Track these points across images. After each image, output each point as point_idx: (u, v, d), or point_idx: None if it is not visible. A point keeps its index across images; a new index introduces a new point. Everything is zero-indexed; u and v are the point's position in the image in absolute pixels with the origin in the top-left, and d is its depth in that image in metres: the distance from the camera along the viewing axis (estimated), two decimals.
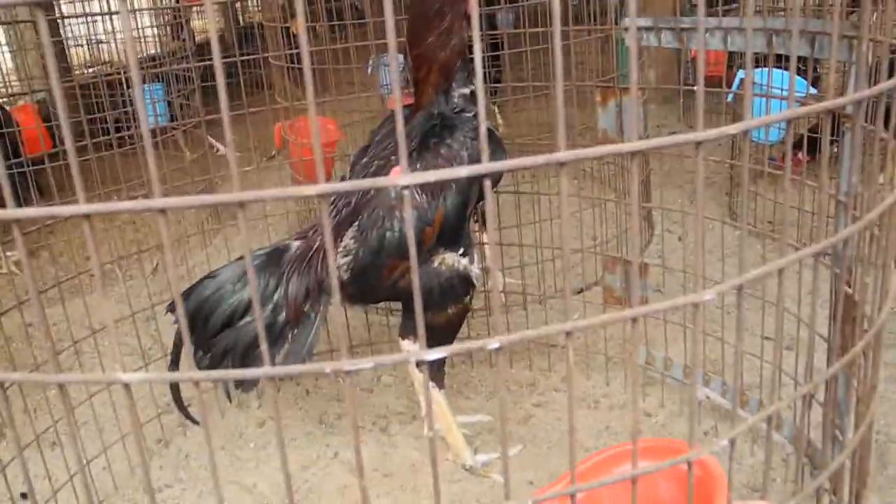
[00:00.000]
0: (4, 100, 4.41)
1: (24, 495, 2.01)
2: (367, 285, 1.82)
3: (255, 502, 2.04)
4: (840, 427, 1.53)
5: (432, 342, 1.90)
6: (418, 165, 1.75)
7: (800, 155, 3.33)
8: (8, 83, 4.74)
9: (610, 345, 2.50)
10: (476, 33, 0.61)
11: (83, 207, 0.62)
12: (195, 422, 2.18)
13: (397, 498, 1.99)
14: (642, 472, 0.74)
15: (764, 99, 2.82)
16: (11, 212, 0.62)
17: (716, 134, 0.68)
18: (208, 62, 3.68)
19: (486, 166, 0.61)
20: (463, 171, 0.62)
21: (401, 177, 0.60)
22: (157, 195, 0.62)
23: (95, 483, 2.06)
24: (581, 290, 2.96)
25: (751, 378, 2.20)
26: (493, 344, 0.66)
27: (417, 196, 1.73)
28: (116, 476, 2.13)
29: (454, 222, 1.76)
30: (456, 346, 0.66)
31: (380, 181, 0.62)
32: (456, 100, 1.82)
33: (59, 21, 4.12)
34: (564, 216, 0.66)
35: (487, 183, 0.64)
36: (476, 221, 3.20)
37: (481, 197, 1.92)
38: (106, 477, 2.12)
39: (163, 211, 0.62)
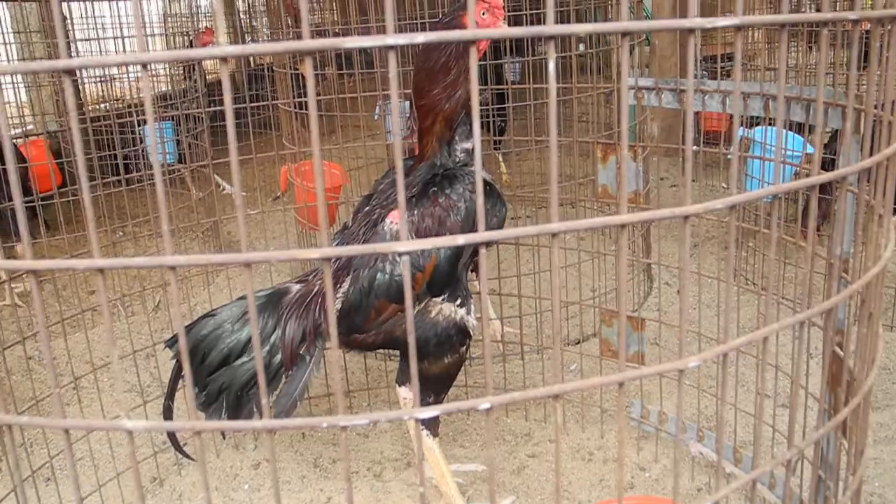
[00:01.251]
0: (17, 132, 4.48)
1: None
2: (354, 325, 1.84)
3: None
4: (831, 490, 1.54)
5: (428, 391, 1.92)
6: (416, 212, 1.78)
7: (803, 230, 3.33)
8: (22, 117, 4.83)
9: (606, 397, 2.51)
10: (475, 87, 0.64)
11: (98, 262, 0.65)
12: (190, 458, 2.19)
13: None
14: None
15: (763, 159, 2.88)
16: (29, 263, 0.66)
17: (702, 209, 0.71)
18: (219, 104, 3.75)
19: (482, 235, 0.65)
20: (460, 240, 0.66)
21: (399, 243, 0.63)
22: (168, 252, 0.66)
23: None
24: (578, 342, 2.98)
25: (746, 435, 2.20)
26: (484, 405, 0.69)
27: (411, 239, 1.76)
28: None
29: (446, 273, 1.79)
30: (447, 406, 0.68)
31: (379, 247, 0.65)
32: (459, 153, 1.87)
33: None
34: (554, 285, 0.69)
35: (483, 251, 0.67)
36: (473, 271, 3.22)
37: (475, 251, 1.95)
38: None
39: (172, 268, 0.65)
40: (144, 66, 0.62)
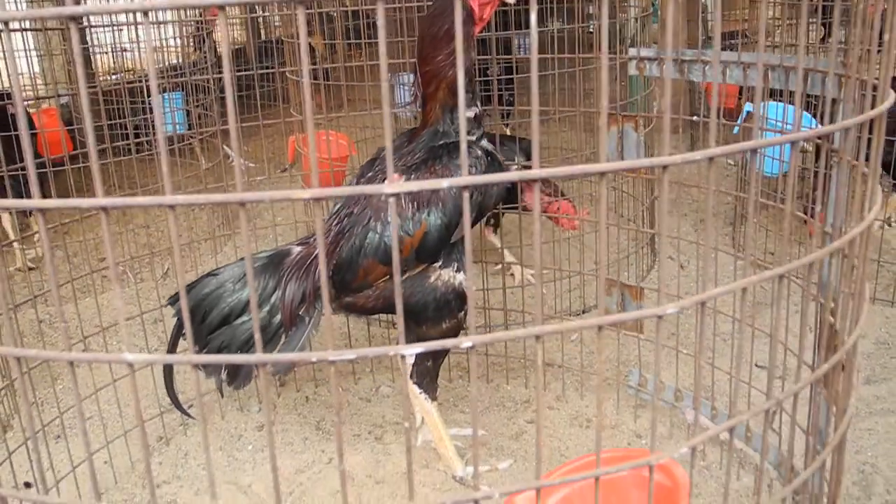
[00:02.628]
0: (30, 102, 4.52)
1: (27, 484, 2.07)
2: (344, 283, 1.87)
3: (249, 502, 2.09)
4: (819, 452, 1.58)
5: (427, 356, 1.96)
6: (412, 176, 1.81)
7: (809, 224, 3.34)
8: (34, 86, 4.87)
9: (605, 367, 2.55)
10: (460, 58, 0.67)
11: (101, 201, 0.68)
12: (191, 416, 2.25)
13: None
14: (603, 472, 0.79)
15: (772, 133, 2.88)
16: (37, 202, 0.69)
17: (680, 159, 0.74)
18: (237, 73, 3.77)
19: (465, 179, 0.68)
20: (444, 183, 0.69)
21: (386, 185, 0.66)
22: (168, 193, 0.69)
23: (97, 476, 2.12)
24: (580, 313, 3.01)
25: (741, 404, 2.24)
26: (467, 343, 0.72)
27: (403, 204, 1.79)
28: (117, 470, 2.19)
29: (435, 241, 1.81)
30: (432, 343, 0.72)
31: (368, 188, 0.69)
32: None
33: (86, 29, 4.23)
34: (536, 230, 0.72)
35: (466, 195, 0.70)
36: (489, 225, 3.26)
37: (476, 219, 1.97)
38: (107, 471, 2.18)
39: (172, 207, 0.69)
40: (146, 13, 0.65)
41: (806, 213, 3.00)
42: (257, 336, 0.73)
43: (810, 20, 3.69)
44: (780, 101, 3.12)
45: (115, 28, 4.05)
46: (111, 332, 2.75)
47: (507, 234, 3.47)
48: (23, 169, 2.73)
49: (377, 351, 0.72)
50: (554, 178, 0.71)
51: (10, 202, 0.72)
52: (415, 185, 0.68)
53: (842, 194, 1.56)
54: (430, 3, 2.61)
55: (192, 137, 4.08)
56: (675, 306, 0.79)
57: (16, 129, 2.85)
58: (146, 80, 3.96)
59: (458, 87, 0.67)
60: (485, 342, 0.73)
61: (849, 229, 1.43)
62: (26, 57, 4.11)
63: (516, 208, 2.88)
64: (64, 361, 0.74)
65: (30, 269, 3.55)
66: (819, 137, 1.73)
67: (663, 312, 0.78)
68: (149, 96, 3.98)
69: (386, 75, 0.68)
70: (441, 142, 1.87)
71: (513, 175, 0.69)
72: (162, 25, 4.17)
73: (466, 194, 0.69)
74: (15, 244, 3.50)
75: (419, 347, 0.71)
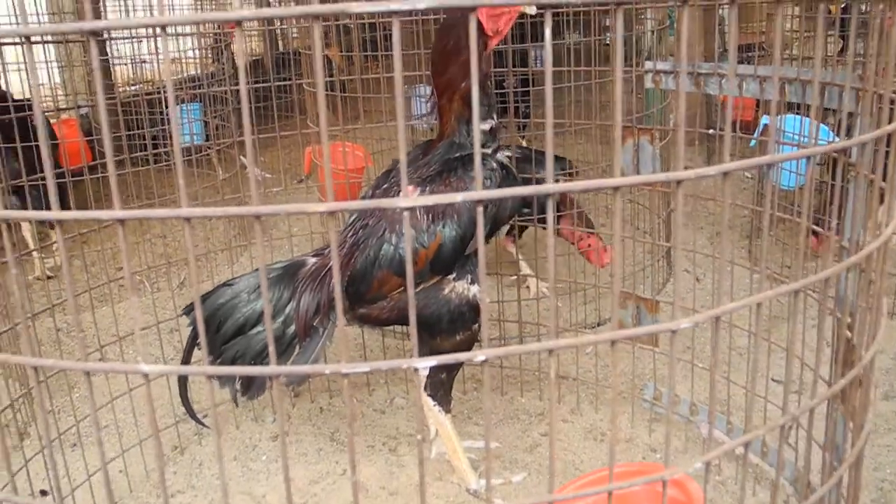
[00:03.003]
0: (51, 112, 4.58)
1: (43, 492, 2.08)
2: (358, 294, 1.88)
3: None
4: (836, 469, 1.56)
5: (441, 368, 1.96)
6: (427, 188, 1.82)
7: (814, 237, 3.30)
8: (55, 97, 4.93)
9: (620, 380, 2.54)
10: (474, 59, 0.67)
11: (118, 213, 0.69)
12: (204, 425, 2.26)
13: None
14: (616, 487, 0.79)
15: (790, 147, 2.87)
16: (55, 213, 0.70)
17: (693, 174, 0.74)
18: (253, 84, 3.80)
19: (479, 194, 0.68)
20: (459, 197, 0.69)
21: (400, 199, 0.67)
22: (183, 205, 0.70)
23: (112, 485, 2.13)
24: (595, 325, 3.00)
25: (757, 419, 2.22)
26: (480, 357, 0.72)
27: (418, 216, 1.79)
28: (132, 479, 2.20)
29: (450, 253, 1.82)
30: (445, 357, 0.72)
31: (383, 202, 0.69)
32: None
33: (105, 41, 4.28)
34: (550, 247, 0.72)
35: (480, 210, 0.70)
36: (509, 235, 3.28)
37: (491, 232, 1.97)
38: (122, 479, 2.19)
39: (188, 219, 0.69)
40: (164, 28, 0.66)
41: (820, 227, 2.98)
42: (271, 348, 0.73)
43: (828, 33, 3.68)
44: (797, 113, 3.11)
45: (135, 40, 4.10)
46: (127, 341, 2.77)
47: (522, 247, 3.47)
48: (43, 179, 2.76)
49: (390, 364, 0.72)
50: (570, 191, 0.71)
51: (29, 213, 0.73)
52: (429, 200, 0.68)
53: (858, 209, 1.55)
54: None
55: (209, 148, 4.11)
56: (688, 321, 0.78)
57: (37, 140, 2.88)
58: (164, 92, 4.00)
59: (473, 100, 0.67)
60: (498, 356, 0.73)
61: (865, 244, 1.42)
62: (47, 68, 4.17)
63: (532, 221, 2.88)
64: (80, 371, 0.75)
65: (48, 277, 3.59)
66: (836, 151, 1.72)
67: (677, 327, 0.78)
68: (167, 107, 4.02)
69: (401, 88, 0.69)
70: (457, 154, 1.87)
71: (526, 189, 0.69)
72: (181, 37, 4.22)
73: (480, 208, 0.69)
74: (34, 253, 3.54)
75: (432, 361, 0.71)
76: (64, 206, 3.54)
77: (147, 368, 0.74)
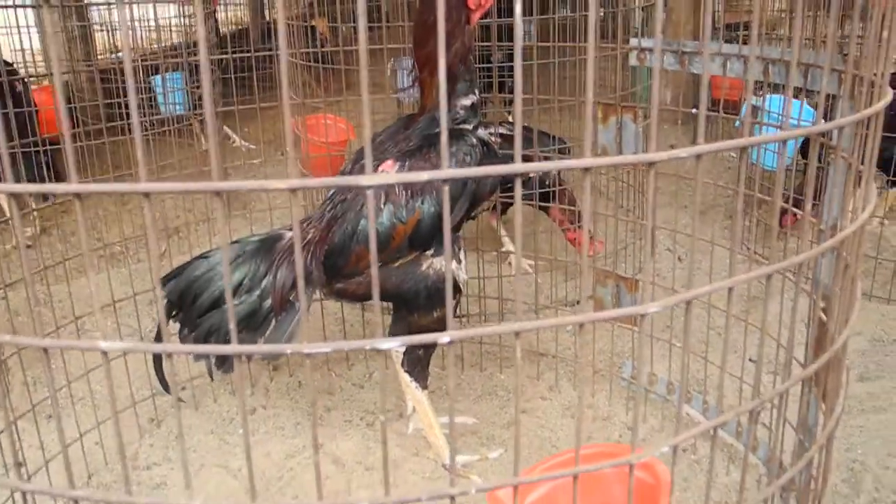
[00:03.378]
0: (32, 79, 4.51)
1: (18, 464, 2.07)
2: (335, 268, 1.86)
3: (239, 486, 2.09)
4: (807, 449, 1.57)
5: (417, 345, 1.95)
6: (406, 163, 1.80)
7: (790, 214, 3.30)
8: (35, 63, 4.84)
9: (598, 358, 2.54)
10: (441, 37, 0.66)
11: (73, 187, 0.67)
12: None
13: (375, 491, 2.04)
14: (582, 470, 0.79)
15: (773, 127, 2.86)
16: (8, 186, 0.68)
17: (666, 156, 0.73)
18: (233, 54, 3.75)
19: (445, 172, 0.66)
20: (424, 176, 0.67)
21: (364, 177, 0.65)
22: (142, 180, 0.68)
23: (87, 456, 2.12)
24: (575, 304, 3.00)
25: (732, 399, 2.23)
26: (444, 338, 0.71)
27: (397, 192, 1.77)
28: (108, 452, 2.19)
29: (428, 229, 1.80)
30: (408, 338, 0.70)
31: (347, 180, 0.67)
32: (459, 110, 1.87)
33: (84, 7, 4.21)
34: (518, 222, 0.71)
35: (446, 188, 0.69)
36: (494, 211, 3.28)
37: (471, 208, 1.96)
38: (98, 452, 2.18)
39: (146, 195, 0.67)
40: None
41: (799, 207, 2.98)
42: (232, 325, 0.72)
43: (815, 14, 3.66)
44: (782, 94, 3.10)
45: (113, 6, 4.02)
46: (107, 311, 2.75)
47: (506, 223, 3.46)
48: (25, 147, 2.72)
49: (353, 345, 0.71)
50: (535, 170, 0.70)
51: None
52: (391, 178, 0.66)
53: (836, 192, 1.55)
54: None
55: (193, 118, 4.06)
56: (657, 305, 0.78)
57: (15, 107, 2.83)
58: (143, 60, 3.95)
59: (440, 78, 0.66)
60: (462, 338, 0.72)
61: (843, 227, 1.42)
62: (28, 33, 4.09)
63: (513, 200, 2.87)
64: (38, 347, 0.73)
65: (27, 246, 3.55)
66: (815, 134, 1.71)
67: (646, 311, 0.77)
68: (147, 76, 3.96)
69: (365, 62, 0.67)
70: (437, 129, 1.85)
71: (496, 169, 0.68)
72: (164, 4, 4.14)
73: (446, 188, 0.68)
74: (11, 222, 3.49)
75: (396, 342, 0.70)
76: (42, 175, 3.50)
77: (105, 346, 0.72)
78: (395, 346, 0.71)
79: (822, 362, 1.02)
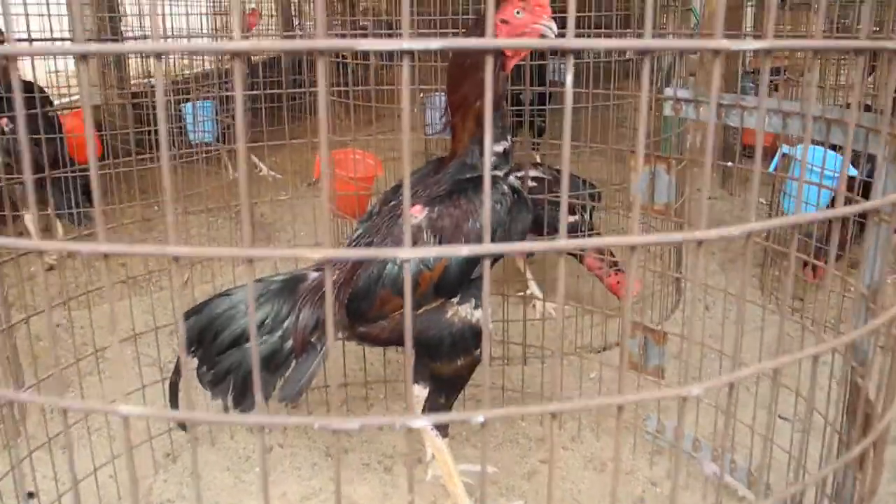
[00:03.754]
0: (64, 101, 4.57)
1: (30, 494, 2.04)
2: (359, 312, 1.83)
3: None
4: None
5: (440, 391, 1.92)
6: (436, 209, 1.77)
7: (811, 267, 3.23)
8: (68, 88, 4.91)
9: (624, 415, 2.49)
10: (489, 98, 0.63)
11: (102, 247, 0.65)
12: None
13: None
14: None
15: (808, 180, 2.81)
16: (35, 242, 0.66)
17: (715, 235, 0.69)
18: (260, 87, 3.78)
19: (486, 247, 0.64)
20: (464, 251, 0.65)
21: (402, 250, 0.62)
22: (171, 243, 0.65)
23: (100, 490, 2.09)
24: (601, 350, 2.95)
25: (758, 453, 2.16)
26: (478, 418, 0.68)
27: (425, 237, 1.75)
28: (122, 486, 2.16)
29: (456, 276, 1.77)
30: (439, 417, 0.67)
31: (383, 252, 0.65)
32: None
33: (118, 35, 4.27)
34: (560, 300, 0.68)
35: (486, 263, 0.66)
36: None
37: (500, 256, 1.93)
38: (112, 485, 2.15)
39: (175, 259, 0.65)
40: (158, 56, 0.62)
41: (818, 258, 2.92)
42: (256, 376, 0.69)
43: (840, 59, 3.62)
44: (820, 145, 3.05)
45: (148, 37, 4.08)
46: (127, 343, 2.73)
47: (532, 263, 3.42)
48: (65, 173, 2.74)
49: (384, 421, 0.68)
50: (578, 247, 0.67)
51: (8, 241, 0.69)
52: (432, 251, 0.64)
53: (878, 255, 1.50)
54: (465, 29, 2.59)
55: (218, 149, 4.08)
56: (699, 388, 0.74)
57: (48, 134, 2.86)
58: (178, 87, 3.98)
59: (486, 120, 0.63)
60: (496, 417, 0.68)
61: (885, 288, 1.37)
62: (64, 57, 4.16)
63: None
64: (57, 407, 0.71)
65: (50, 268, 3.56)
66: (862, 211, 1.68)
67: (687, 394, 0.73)
68: (178, 104, 3.99)
69: (408, 124, 0.65)
70: (468, 175, 1.83)
71: (537, 245, 0.65)
72: (196, 37, 4.19)
73: (487, 263, 0.65)
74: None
75: (426, 421, 0.67)
76: (89, 200, 3.52)
77: (125, 410, 0.70)
78: (426, 424, 0.68)
79: (865, 445, 0.98)
